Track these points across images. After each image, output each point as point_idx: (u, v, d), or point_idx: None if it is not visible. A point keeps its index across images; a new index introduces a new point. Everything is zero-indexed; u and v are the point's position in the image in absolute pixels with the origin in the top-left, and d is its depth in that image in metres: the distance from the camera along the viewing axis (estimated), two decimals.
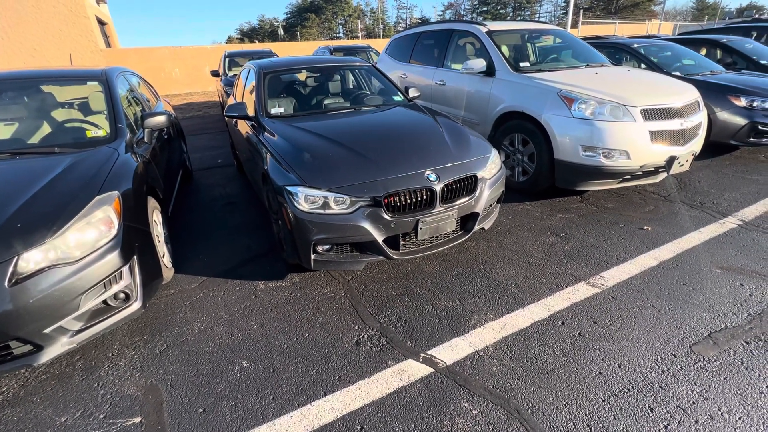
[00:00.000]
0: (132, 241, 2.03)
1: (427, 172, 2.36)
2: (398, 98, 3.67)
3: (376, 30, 66.66)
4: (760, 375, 1.73)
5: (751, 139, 4.46)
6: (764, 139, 4.44)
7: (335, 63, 3.94)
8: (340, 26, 67.41)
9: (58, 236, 1.74)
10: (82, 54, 13.07)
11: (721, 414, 1.56)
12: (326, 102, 3.53)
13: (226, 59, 8.83)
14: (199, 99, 13.67)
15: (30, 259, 1.68)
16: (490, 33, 4.28)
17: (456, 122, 3.10)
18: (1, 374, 1.83)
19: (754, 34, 8.15)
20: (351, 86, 4.06)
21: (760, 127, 4.36)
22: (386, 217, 2.25)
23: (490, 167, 2.67)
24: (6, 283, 1.60)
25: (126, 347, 2.07)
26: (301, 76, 3.94)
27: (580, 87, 3.41)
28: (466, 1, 67.98)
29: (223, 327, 2.19)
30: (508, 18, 62.40)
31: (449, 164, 2.46)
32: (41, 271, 1.69)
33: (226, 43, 63.69)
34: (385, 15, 72.03)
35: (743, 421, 1.53)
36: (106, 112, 2.77)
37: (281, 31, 61.72)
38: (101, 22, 15.41)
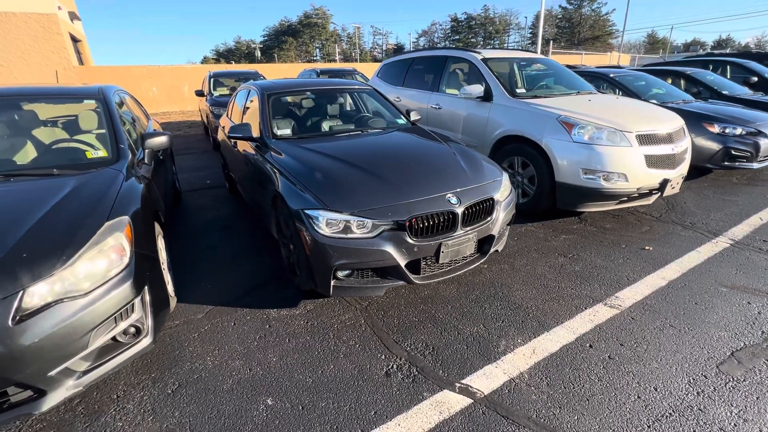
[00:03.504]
0: (143, 269, 1.88)
1: (448, 195, 2.35)
2: (401, 121, 3.71)
3: (353, 54, 68.21)
4: None
5: (726, 163, 4.78)
6: (737, 163, 4.76)
7: (338, 86, 3.95)
8: (318, 50, 68.53)
9: (68, 267, 1.59)
10: (55, 70, 12.56)
11: None
12: (332, 124, 3.51)
13: (211, 79, 8.70)
14: (177, 118, 13.36)
15: (35, 293, 1.52)
16: (485, 60, 4.44)
17: (466, 146, 3.14)
18: None
19: (711, 67, 8.90)
20: (354, 109, 4.07)
21: (733, 152, 4.68)
22: (410, 241, 2.21)
23: (503, 190, 2.69)
24: (9, 321, 1.43)
25: (132, 387, 1.89)
26: (305, 98, 3.91)
27: (578, 113, 3.56)
28: (440, 30, 71.06)
29: (240, 361, 2.04)
30: (479, 46, 65.65)
31: (468, 187, 2.47)
32: (47, 306, 1.53)
33: (202, 63, 63.25)
34: (361, 40, 74.00)
35: None
36: (106, 132, 2.63)
37: (258, 53, 62.00)
38: (75, 39, 14.94)
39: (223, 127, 4.49)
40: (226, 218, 4.09)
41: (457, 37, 67.66)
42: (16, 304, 1.45)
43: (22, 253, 1.55)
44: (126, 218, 1.91)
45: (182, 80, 15.73)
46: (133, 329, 1.82)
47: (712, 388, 1.81)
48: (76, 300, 1.59)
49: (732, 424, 1.63)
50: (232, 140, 3.77)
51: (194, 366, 2.02)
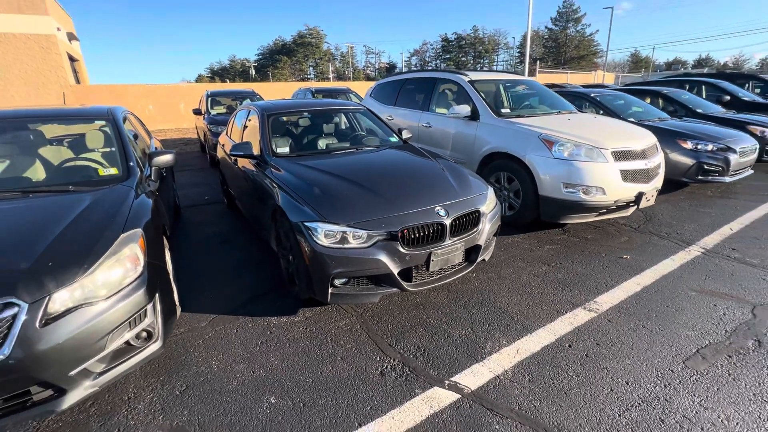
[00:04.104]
0: (155, 278, 2.03)
1: (437, 208, 2.55)
2: (394, 139, 3.93)
3: (346, 72, 69.58)
4: (746, 384, 1.95)
5: (699, 177, 5.07)
6: (710, 177, 5.06)
7: (334, 106, 4.19)
8: (311, 68, 69.83)
9: (89, 275, 1.74)
10: (52, 89, 12.75)
11: (721, 421, 1.75)
12: (328, 142, 3.72)
13: (209, 98, 8.93)
14: (173, 135, 13.55)
15: (58, 299, 1.66)
16: (472, 82, 4.73)
17: (454, 163, 3.36)
18: (18, 423, 1.69)
19: (687, 86, 9.38)
20: (349, 127, 4.29)
21: (705, 167, 4.98)
22: (402, 250, 2.39)
23: (489, 203, 2.90)
24: (37, 324, 1.57)
25: (142, 390, 2.00)
26: (302, 118, 4.13)
27: (558, 131, 3.82)
28: (431, 49, 73.03)
29: (243, 364, 2.18)
30: (469, 65, 67.53)
31: (455, 200, 2.67)
32: (69, 311, 1.66)
33: (196, 81, 63.94)
34: (354, 59, 75.66)
35: (740, 426, 1.72)
36: (116, 151, 2.80)
37: (253, 71, 62.98)
38: (72, 59, 15.20)
39: (223, 145, 4.68)
40: (225, 232, 4.23)
41: (448, 56, 69.52)
42: (42, 309, 1.60)
43: (48, 262, 1.69)
44: (139, 230, 2.07)
45: (178, 98, 16.01)
46: (145, 333, 1.95)
47: (677, 381, 1.98)
48: (94, 305, 1.73)
49: (693, 412, 1.80)
50: (233, 158, 3.95)
51: (200, 369, 2.14)
